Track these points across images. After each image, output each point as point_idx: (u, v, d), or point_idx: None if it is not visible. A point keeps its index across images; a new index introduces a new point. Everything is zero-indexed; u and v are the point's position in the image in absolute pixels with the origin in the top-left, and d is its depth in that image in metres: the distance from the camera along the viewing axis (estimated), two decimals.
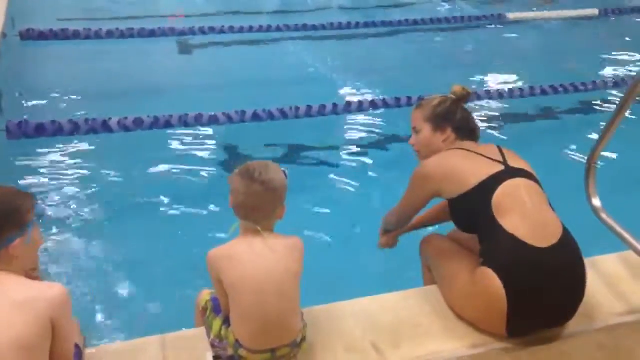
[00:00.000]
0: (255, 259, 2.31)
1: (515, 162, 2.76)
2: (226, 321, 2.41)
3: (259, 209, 2.33)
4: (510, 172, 2.68)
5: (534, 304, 2.51)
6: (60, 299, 2.02)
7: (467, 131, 2.93)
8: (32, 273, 2.29)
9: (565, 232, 2.61)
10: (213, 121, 5.12)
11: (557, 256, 2.53)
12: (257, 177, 2.30)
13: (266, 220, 2.36)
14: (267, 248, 2.33)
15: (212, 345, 2.46)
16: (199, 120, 5.08)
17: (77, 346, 2.31)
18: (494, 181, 2.63)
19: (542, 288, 2.50)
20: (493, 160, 2.73)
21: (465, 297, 2.67)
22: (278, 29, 7.57)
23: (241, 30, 7.40)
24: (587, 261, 2.68)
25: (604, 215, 3.04)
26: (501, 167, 2.69)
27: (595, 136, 3.05)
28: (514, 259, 2.52)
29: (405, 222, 3.14)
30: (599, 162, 3.08)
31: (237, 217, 2.39)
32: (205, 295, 2.62)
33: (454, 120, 2.91)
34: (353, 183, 4.75)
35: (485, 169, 2.68)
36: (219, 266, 2.33)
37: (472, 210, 2.66)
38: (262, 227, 2.34)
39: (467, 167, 2.72)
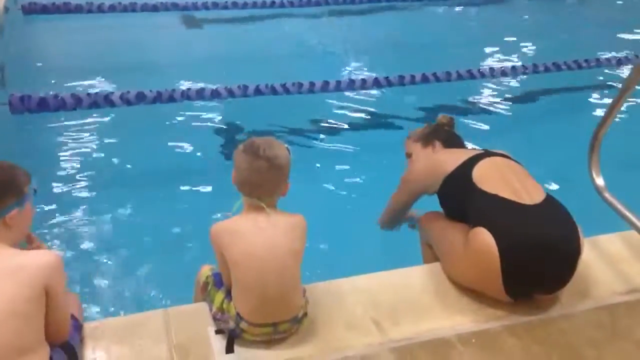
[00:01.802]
0: (258, 236, 2.31)
1: (498, 151, 2.94)
2: (228, 295, 2.43)
3: (263, 186, 2.33)
4: (489, 154, 2.88)
5: (527, 255, 2.52)
6: (53, 264, 2.02)
7: (454, 142, 3.17)
8: (31, 245, 2.29)
9: (549, 195, 2.70)
10: (215, 96, 5.09)
11: (543, 211, 2.61)
12: (262, 153, 2.29)
13: (270, 196, 2.36)
14: (270, 225, 2.33)
15: (214, 319, 2.47)
16: (201, 95, 5.05)
17: (75, 319, 2.33)
18: (473, 160, 2.81)
19: (532, 239, 2.52)
20: (475, 149, 2.98)
21: (461, 259, 2.71)
22: (282, 4, 7.50)
23: (245, 5, 7.34)
24: (589, 240, 2.69)
25: (606, 195, 3.04)
26: (481, 152, 2.90)
27: (599, 115, 3.04)
28: (500, 212, 2.60)
29: (395, 221, 3.35)
30: (603, 141, 3.07)
31: (240, 193, 2.39)
32: (206, 271, 2.63)
33: (440, 134, 3.20)
34: (355, 159, 4.73)
35: (465, 155, 2.88)
36: (221, 241, 2.34)
37: (456, 189, 2.80)
38: (266, 203, 2.34)
39: (447, 158, 2.93)
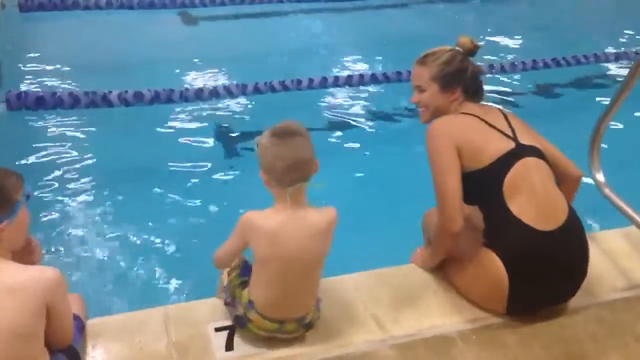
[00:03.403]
0: (289, 237, 2.24)
1: (523, 135, 2.68)
2: (243, 283, 2.41)
3: (306, 162, 2.20)
4: (521, 151, 2.60)
5: (536, 289, 2.54)
6: (54, 282, 1.97)
7: (474, 91, 2.77)
8: (28, 246, 2.23)
9: (571, 214, 2.61)
10: (214, 95, 5.08)
11: (562, 240, 2.54)
12: (295, 129, 2.22)
13: (310, 174, 2.23)
14: (303, 225, 2.25)
15: (225, 303, 2.47)
16: (199, 95, 5.04)
17: (78, 318, 2.32)
18: (506, 161, 2.57)
19: (544, 273, 2.51)
20: (503, 134, 2.64)
21: (467, 278, 2.68)
22: (280, 0, 7.49)
23: (242, 2, 7.33)
24: (589, 236, 2.68)
25: (606, 190, 3.04)
26: (512, 145, 2.61)
27: (599, 110, 3.03)
28: (519, 245, 2.52)
29: (457, 203, 2.57)
30: (603, 137, 3.06)
31: (273, 190, 2.25)
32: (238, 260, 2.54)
33: (464, 79, 2.71)
34: (356, 155, 4.73)
35: (498, 146, 2.59)
36: (251, 234, 2.26)
37: (482, 188, 2.59)
38: (306, 184, 2.23)
39: (480, 142, 2.60)
